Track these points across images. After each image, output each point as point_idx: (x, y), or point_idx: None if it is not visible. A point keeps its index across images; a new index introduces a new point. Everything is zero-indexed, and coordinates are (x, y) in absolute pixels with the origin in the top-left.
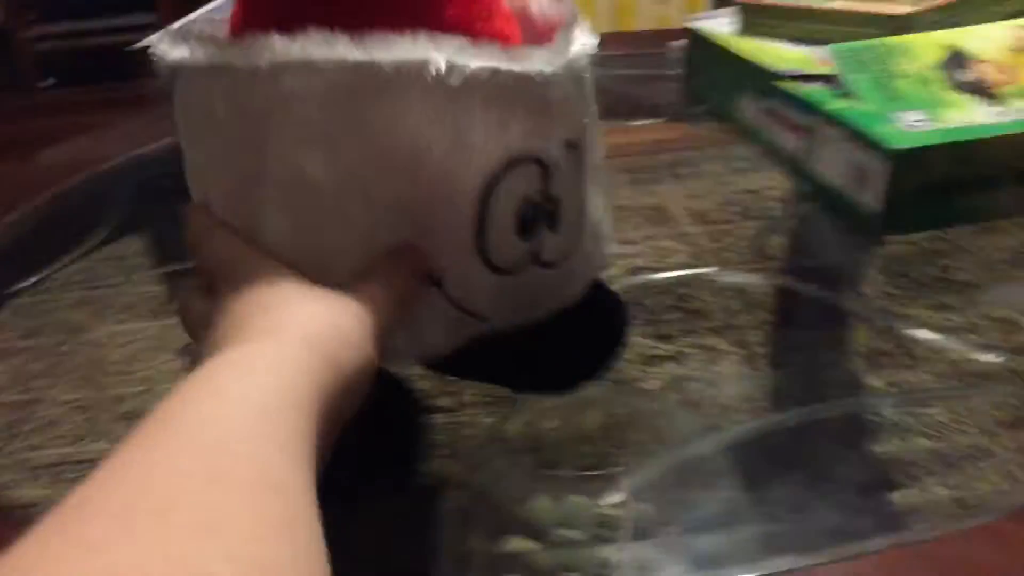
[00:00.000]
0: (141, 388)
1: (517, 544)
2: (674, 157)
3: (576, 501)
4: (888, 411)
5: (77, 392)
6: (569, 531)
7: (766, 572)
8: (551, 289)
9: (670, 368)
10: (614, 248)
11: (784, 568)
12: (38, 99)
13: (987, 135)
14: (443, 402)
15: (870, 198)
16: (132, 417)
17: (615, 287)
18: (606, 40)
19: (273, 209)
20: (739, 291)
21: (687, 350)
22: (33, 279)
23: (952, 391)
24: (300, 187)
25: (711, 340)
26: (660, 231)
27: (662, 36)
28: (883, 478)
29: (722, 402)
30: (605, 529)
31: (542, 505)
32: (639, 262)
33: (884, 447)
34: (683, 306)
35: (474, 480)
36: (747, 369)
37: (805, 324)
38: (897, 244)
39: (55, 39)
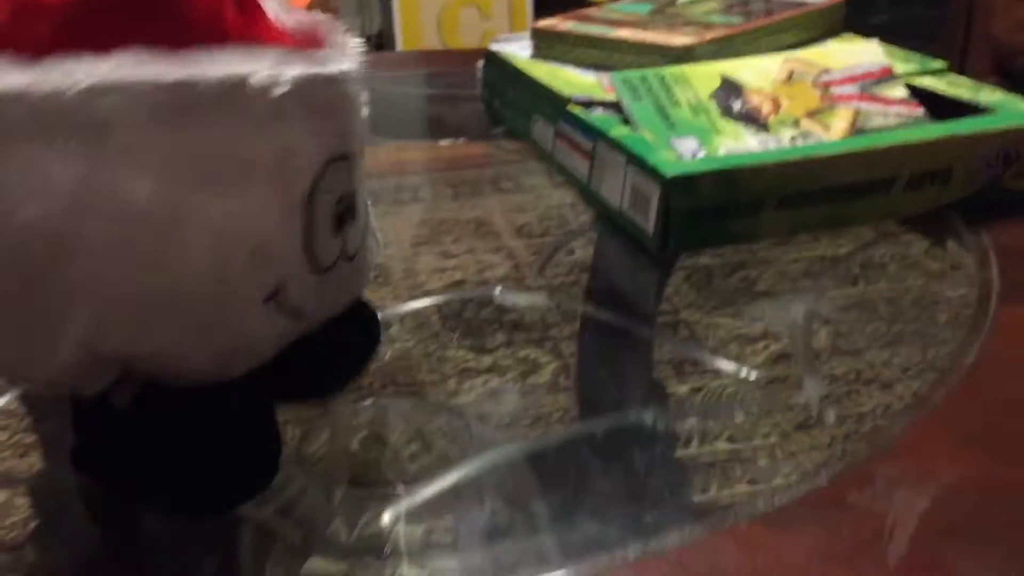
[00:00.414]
0: None
1: (315, 565)
2: (497, 171)
3: (348, 521)
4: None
5: None
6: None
7: None
8: (350, 281)
9: (485, 380)
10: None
11: None
12: None
13: (753, 163)
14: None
15: (648, 221)
16: None
17: (434, 300)
18: (417, 58)
19: (101, 245)
20: (551, 292)
21: (504, 363)
22: None
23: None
24: (130, 217)
25: (528, 351)
26: (482, 244)
27: (473, 56)
28: (652, 485)
29: (534, 413)
30: (372, 550)
31: (337, 524)
32: (458, 275)
33: (661, 455)
34: (501, 319)
35: (276, 499)
36: (562, 380)
37: (614, 336)
38: (703, 257)
39: None
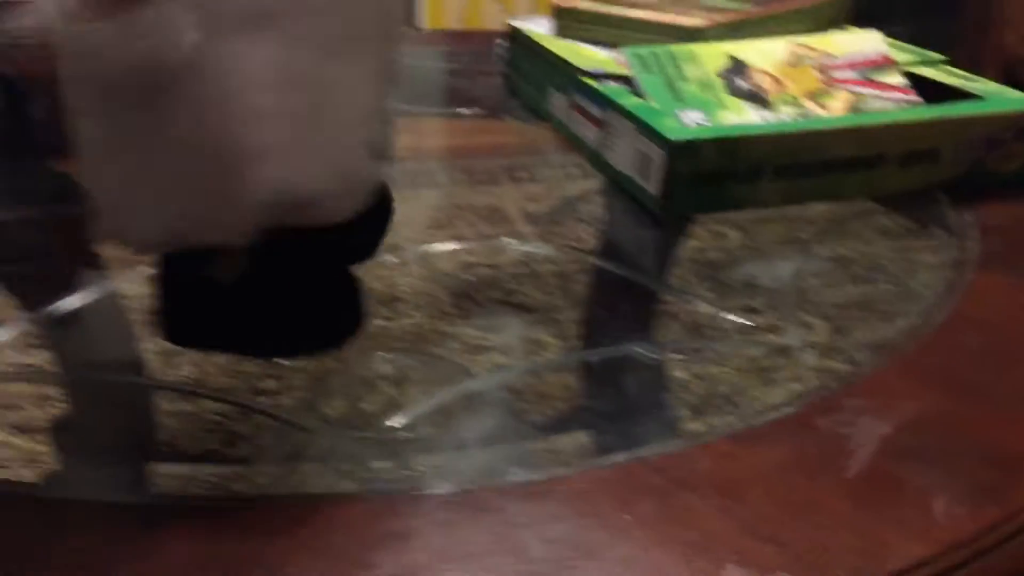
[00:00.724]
0: None
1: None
2: (511, 161)
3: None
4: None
5: None
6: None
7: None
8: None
9: (493, 358)
10: None
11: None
12: None
13: (752, 133)
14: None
15: (652, 184)
16: None
17: (447, 283)
18: (440, 36)
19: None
20: (559, 278)
21: (512, 341)
22: None
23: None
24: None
25: (537, 335)
26: (495, 231)
27: (495, 36)
28: (639, 406)
29: (539, 389)
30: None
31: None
32: (471, 259)
33: (650, 383)
34: (510, 300)
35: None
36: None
37: (614, 305)
38: (700, 237)
39: None
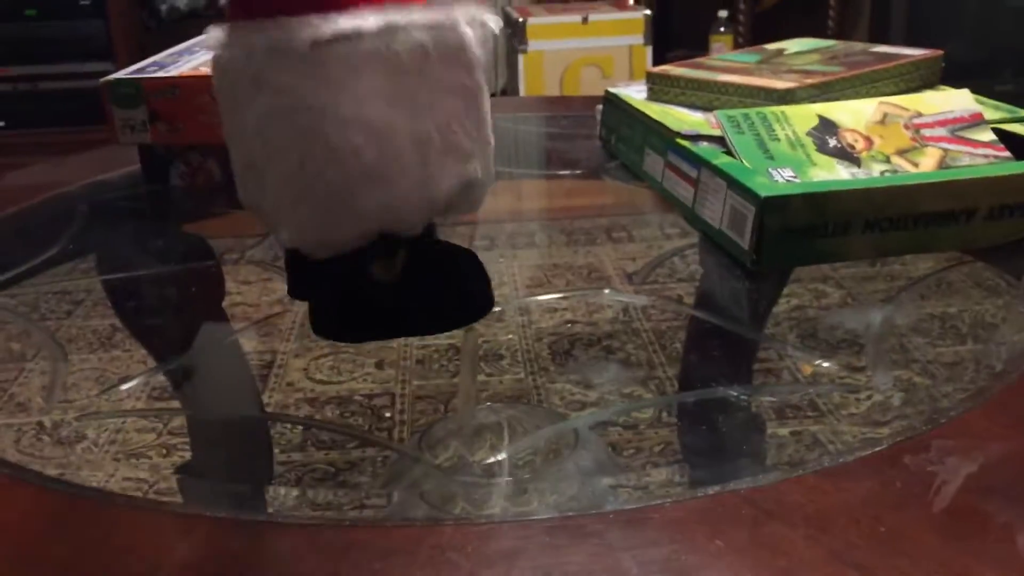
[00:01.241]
0: (75, 415)
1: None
2: (610, 221)
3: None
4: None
5: (12, 419)
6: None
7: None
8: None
9: (591, 412)
10: None
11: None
12: None
13: (841, 188)
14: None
15: (745, 239)
16: (68, 443)
17: (545, 340)
18: (540, 102)
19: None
20: (657, 332)
21: (610, 397)
22: None
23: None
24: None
25: (634, 388)
26: (594, 287)
27: (591, 102)
28: (734, 444)
29: (636, 429)
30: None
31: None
32: (569, 315)
33: (744, 422)
34: (610, 357)
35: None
36: (665, 415)
37: (710, 355)
38: (799, 292)
39: (11, 82)
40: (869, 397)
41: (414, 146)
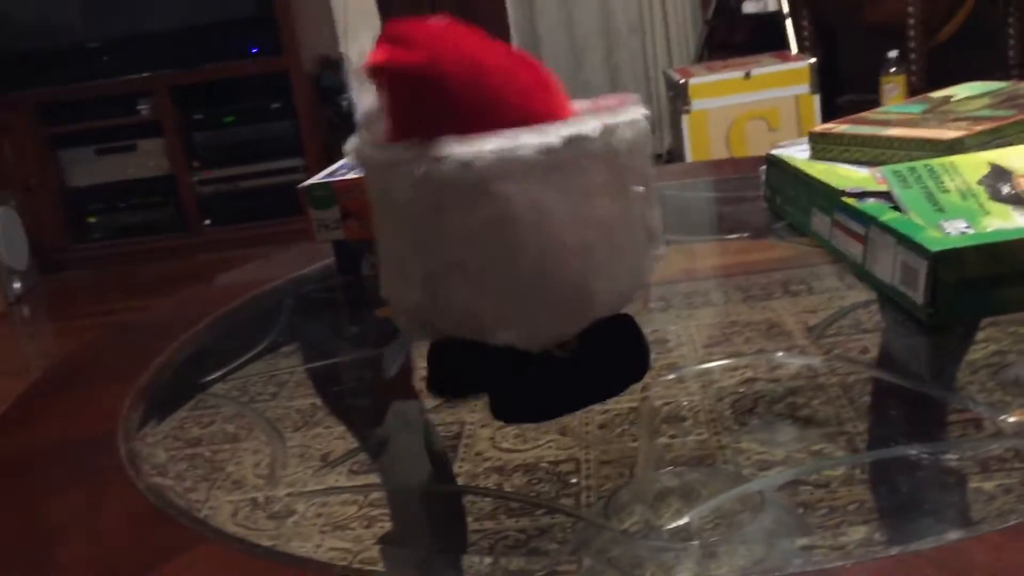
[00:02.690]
0: (286, 492)
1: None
2: (787, 275)
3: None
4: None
5: (230, 495)
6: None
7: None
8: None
9: (778, 471)
10: None
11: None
12: (203, 237)
13: (1015, 237)
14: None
15: (919, 294)
16: (279, 517)
17: (727, 400)
18: (704, 167)
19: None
20: (845, 391)
21: (797, 455)
22: (217, 374)
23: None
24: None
25: (821, 445)
26: (773, 345)
27: (753, 162)
28: (919, 503)
29: (830, 503)
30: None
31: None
32: (749, 373)
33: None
34: (795, 415)
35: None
36: (859, 474)
37: (892, 411)
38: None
39: (214, 183)
40: None
41: (628, 235)
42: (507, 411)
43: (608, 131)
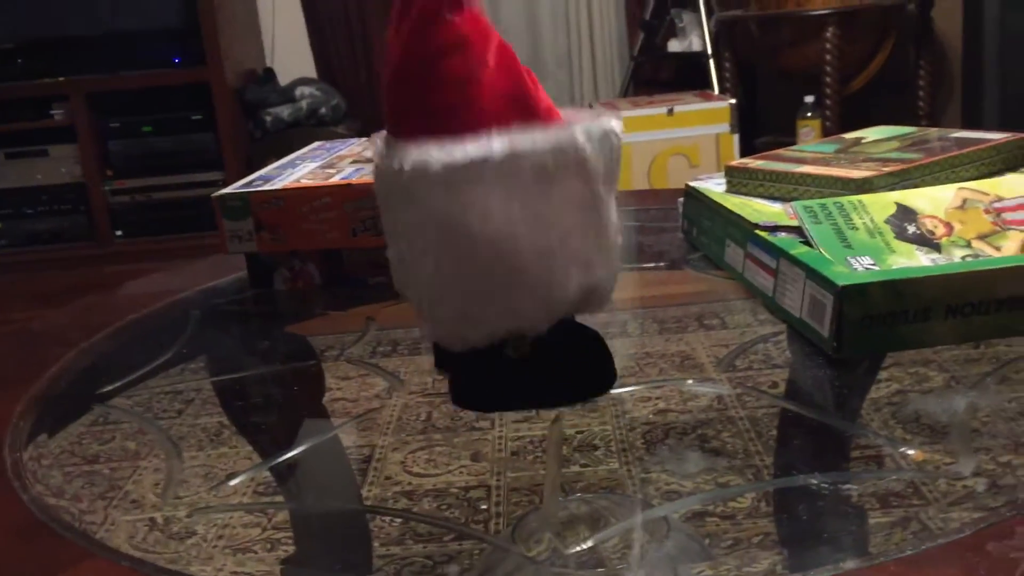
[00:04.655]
0: (186, 512)
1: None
2: (702, 309)
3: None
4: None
5: (129, 515)
6: None
7: None
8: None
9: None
10: None
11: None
12: (114, 248)
13: (920, 275)
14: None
15: (825, 327)
16: (180, 537)
17: (638, 430)
18: (624, 196)
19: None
20: (753, 424)
21: (705, 487)
22: (117, 384)
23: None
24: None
25: (729, 477)
26: (686, 377)
27: (672, 194)
28: (816, 530)
29: (734, 535)
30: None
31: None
32: (662, 404)
33: (826, 509)
34: (703, 446)
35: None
36: (764, 506)
37: (797, 442)
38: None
39: (128, 193)
40: (956, 484)
41: (538, 258)
42: (460, 397)
43: (512, 156)
